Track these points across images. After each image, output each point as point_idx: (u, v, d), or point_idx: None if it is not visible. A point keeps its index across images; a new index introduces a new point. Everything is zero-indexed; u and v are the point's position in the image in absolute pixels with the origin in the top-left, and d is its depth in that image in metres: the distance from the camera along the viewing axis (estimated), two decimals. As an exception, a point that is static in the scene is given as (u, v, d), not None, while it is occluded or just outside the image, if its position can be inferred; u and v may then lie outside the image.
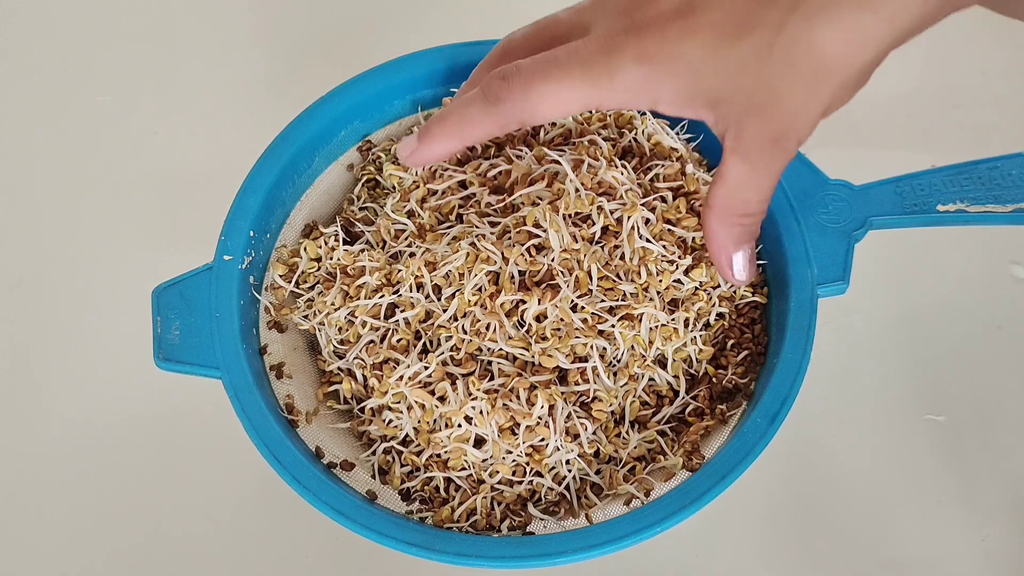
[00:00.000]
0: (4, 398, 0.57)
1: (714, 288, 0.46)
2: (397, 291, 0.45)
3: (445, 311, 0.44)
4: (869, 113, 0.65)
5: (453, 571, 0.42)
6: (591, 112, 0.49)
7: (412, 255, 0.46)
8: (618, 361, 0.45)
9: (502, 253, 0.44)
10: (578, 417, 0.44)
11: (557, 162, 0.45)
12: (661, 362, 0.46)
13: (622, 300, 0.44)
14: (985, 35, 0.66)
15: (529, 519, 0.44)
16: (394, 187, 0.50)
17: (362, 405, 0.47)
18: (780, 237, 0.47)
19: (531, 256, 0.44)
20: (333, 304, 0.46)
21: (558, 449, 0.43)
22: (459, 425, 0.43)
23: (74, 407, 0.56)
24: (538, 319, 0.44)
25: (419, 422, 0.44)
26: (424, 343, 0.45)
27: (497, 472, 0.44)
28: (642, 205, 0.45)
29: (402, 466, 0.45)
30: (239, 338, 0.45)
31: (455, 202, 0.47)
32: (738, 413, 0.45)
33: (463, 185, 0.47)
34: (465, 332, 0.44)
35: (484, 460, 0.44)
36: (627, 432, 0.45)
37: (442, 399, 0.44)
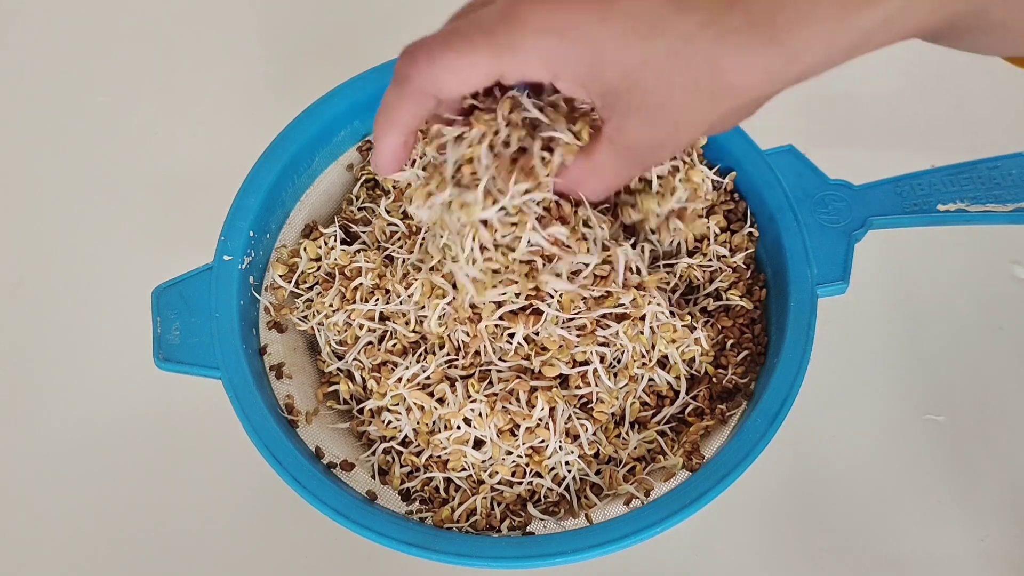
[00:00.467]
0: (4, 398, 0.57)
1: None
2: (389, 299, 0.45)
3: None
4: (869, 113, 0.65)
5: (453, 571, 0.42)
6: None
7: (404, 261, 0.46)
8: (618, 362, 0.45)
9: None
10: (578, 419, 0.44)
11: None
12: (661, 363, 0.46)
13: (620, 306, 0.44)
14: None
15: (529, 519, 0.44)
16: (389, 190, 0.50)
17: (361, 406, 0.47)
18: (780, 237, 0.47)
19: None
20: (331, 306, 0.46)
21: (558, 450, 0.43)
22: (458, 427, 0.43)
23: (74, 407, 0.56)
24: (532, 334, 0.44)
25: (418, 423, 0.44)
26: (423, 347, 0.45)
27: (497, 473, 0.44)
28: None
29: (402, 466, 0.45)
30: (239, 338, 0.45)
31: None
32: (738, 413, 0.45)
33: None
34: (459, 345, 0.44)
35: (484, 461, 0.44)
36: (627, 433, 0.45)
37: (441, 401, 0.44)
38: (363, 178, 0.52)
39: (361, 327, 0.46)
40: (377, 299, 0.45)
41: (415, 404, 0.44)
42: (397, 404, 0.45)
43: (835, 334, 0.54)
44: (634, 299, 0.44)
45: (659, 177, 0.44)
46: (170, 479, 0.54)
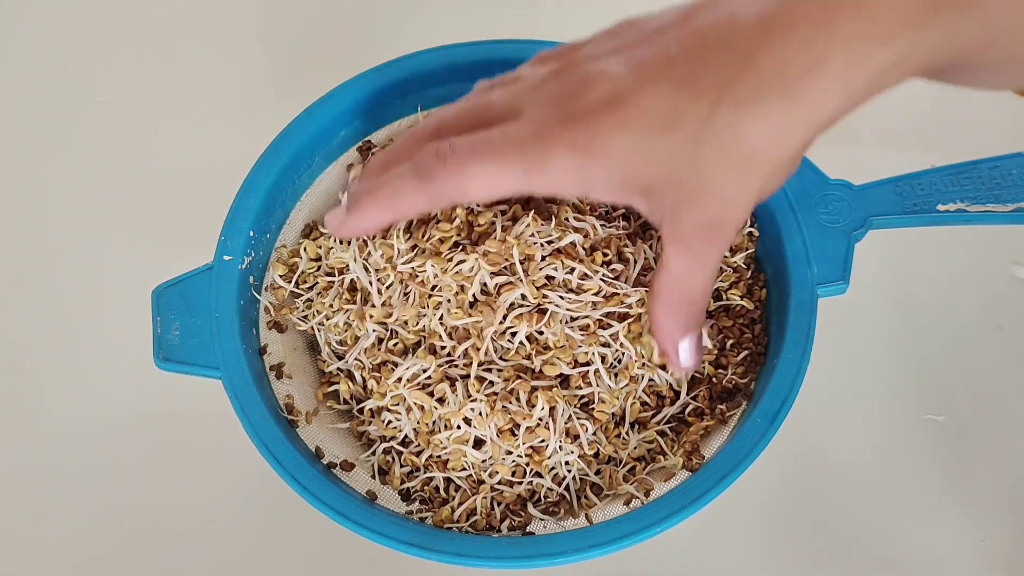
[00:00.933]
0: (4, 398, 0.57)
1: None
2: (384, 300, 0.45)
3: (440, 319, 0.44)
4: (869, 113, 0.65)
5: (453, 571, 0.42)
6: None
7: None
8: (619, 362, 0.45)
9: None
10: (578, 419, 0.44)
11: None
12: (662, 363, 0.46)
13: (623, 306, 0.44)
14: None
15: (529, 519, 0.44)
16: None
17: (361, 406, 0.47)
18: (780, 237, 0.47)
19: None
20: (331, 306, 0.46)
21: (558, 450, 0.43)
22: (458, 427, 0.43)
23: (74, 407, 0.56)
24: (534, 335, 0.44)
25: (418, 423, 0.44)
26: (424, 345, 0.45)
27: (497, 472, 0.44)
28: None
29: (402, 466, 0.45)
30: (239, 338, 0.45)
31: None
32: (738, 413, 0.45)
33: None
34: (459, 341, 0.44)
35: (484, 461, 0.44)
36: (627, 433, 0.45)
37: (441, 400, 0.44)
38: (363, 178, 0.52)
39: (360, 328, 0.46)
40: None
41: (415, 404, 0.44)
42: (397, 404, 0.45)
43: (835, 334, 0.54)
44: (640, 298, 0.44)
45: None
46: (170, 479, 0.54)
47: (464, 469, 0.44)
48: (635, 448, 0.45)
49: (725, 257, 0.48)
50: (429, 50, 0.52)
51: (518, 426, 0.43)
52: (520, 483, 0.44)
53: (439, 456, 0.44)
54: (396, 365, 0.44)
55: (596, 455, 0.45)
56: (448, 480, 0.45)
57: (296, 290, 0.49)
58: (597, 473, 0.45)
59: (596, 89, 0.36)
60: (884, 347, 0.57)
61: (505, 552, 0.41)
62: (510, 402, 0.43)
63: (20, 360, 0.58)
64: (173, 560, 0.52)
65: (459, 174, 0.38)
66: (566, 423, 0.43)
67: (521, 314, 0.43)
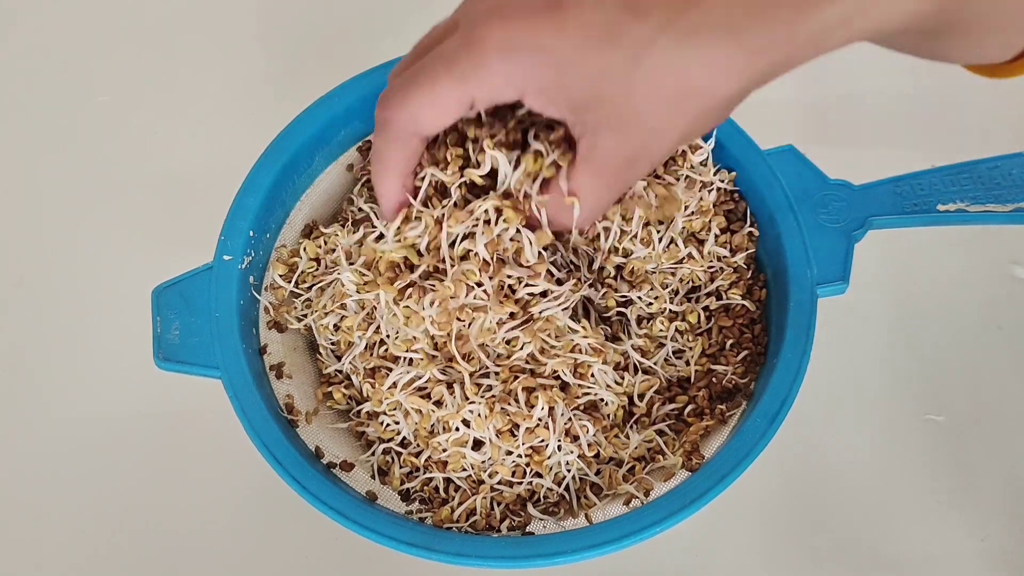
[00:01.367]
0: (4, 398, 0.57)
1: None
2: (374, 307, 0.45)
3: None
4: (869, 113, 0.65)
5: (453, 571, 0.42)
6: None
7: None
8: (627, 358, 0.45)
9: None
10: (578, 420, 0.44)
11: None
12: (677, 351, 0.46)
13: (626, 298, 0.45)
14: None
15: (529, 519, 0.44)
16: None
17: (359, 408, 0.47)
18: (780, 237, 0.47)
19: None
20: (324, 307, 0.46)
21: (557, 450, 0.43)
22: (456, 429, 0.43)
23: (74, 407, 0.56)
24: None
25: (416, 425, 0.44)
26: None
27: (497, 473, 0.44)
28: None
29: (401, 467, 0.45)
30: (239, 338, 0.45)
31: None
32: (738, 413, 0.45)
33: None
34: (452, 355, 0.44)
35: (483, 462, 0.44)
36: (627, 436, 0.45)
37: (439, 403, 0.44)
38: (363, 178, 0.52)
39: (351, 332, 0.46)
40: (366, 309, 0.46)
41: (412, 408, 0.44)
42: (395, 409, 0.44)
43: (835, 334, 0.54)
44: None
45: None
46: (170, 479, 0.54)
47: (464, 470, 0.44)
48: (635, 448, 0.45)
49: (725, 258, 0.48)
50: (429, 50, 0.52)
51: (517, 426, 0.43)
52: (520, 483, 0.44)
53: (438, 457, 0.44)
54: (390, 370, 0.44)
55: (596, 456, 0.45)
56: (448, 480, 0.45)
57: (296, 290, 0.49)
58: (597, 473, 0.45)
59: None
60: (884, 347, 0.57)
61: (505, 552, 0.41)
62: (508, 403, 0.43)
63: (20, 360, 0.58)
64: (173, 560, 0.52)
65: (404, 107, 0.37)
66: (566, 423, 0.43)
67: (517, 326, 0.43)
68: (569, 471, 0.44)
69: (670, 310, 0.47)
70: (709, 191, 0.48)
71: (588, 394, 0.44)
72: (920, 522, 0.52)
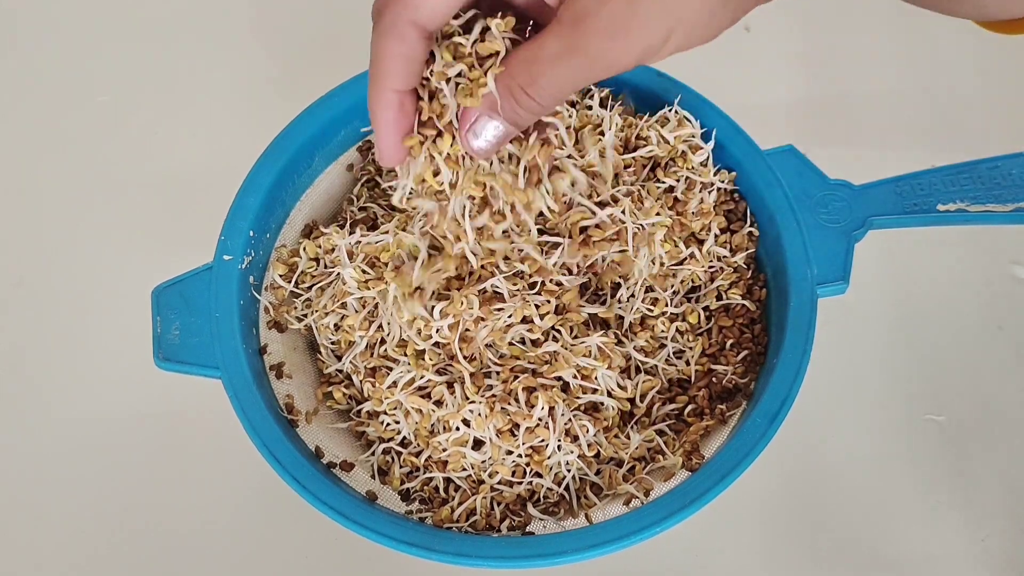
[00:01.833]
0: (4, 398, 0.57)
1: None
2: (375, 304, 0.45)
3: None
4: (869, 113, 0.65)
5: (453, 571, 0.42)
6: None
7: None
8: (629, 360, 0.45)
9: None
10: (578, 420, 0.44)
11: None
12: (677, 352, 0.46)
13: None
14: (984, 36, 0.66)
15: (529, 519, 0.44)
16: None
17: (359, 408, 0.47)
18: (780, 237, 0.47)
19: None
20: (325, 307, 0.46)
21: (557, 450, 0.43)
22: (457, 428, 0.43)
23: (74, 407, 0.56)
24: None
25: (417, 425, 0.44)
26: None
27: (497, 473, 0.44)
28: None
29: (401, 467, 0.45)
30: (239, 338, 0.45)
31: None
32: (738, 413, 0.45)
33: None
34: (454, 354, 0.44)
35: (483, 461, 0.44)
36: (627, 436, 0.45)
37: (439, 403, 0.44)
38: (363, 178, 0.52)
39: (352, 331, 0.46)
40: (367, 306, 0.46)
41: (412, 408, 0.44)
42: (395, 409, 0.44)
43: (835, 334, 0.54)
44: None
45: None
46: (170, 479, 0.54)
47: (464, 470, 0.44)
48: (635, 448, 0.45)
49: (725, 257, 0.48)
50: (429, 50, 0.51)
51: (518, 426, 0.43)
52: (520, 483, 0.44)
53: (439, 457, 0.44)
54: (390, 370, 0.44)
55: (596, 456, 0.45)
56: (448, 480, 0.45)
57: (296, 290, 0.49)
58: (597, 473, 0.45)
59: None
60: (884, 347, 0.57)
61: (505, 552, 0.41)
62: (508, 403, 0.43)
63: (20, 360, 0.58)
64: (173, 560, 0.52)
65: None
66: (566, 423, 0.43)
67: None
68: (569, 471, 0.44)
69: (671, 312, 0.47)
70: (709, 192, 0.48)
71: (591, 394, 0.44)
72: (920, 522, 0.52)
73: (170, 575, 0.52)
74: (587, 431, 0.43)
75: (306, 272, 0.49)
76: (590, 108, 0.50)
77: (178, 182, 0.63)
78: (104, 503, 0.54)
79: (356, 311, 0.45)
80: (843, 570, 0.51)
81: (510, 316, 0.43)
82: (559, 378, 0.44)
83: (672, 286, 0.47)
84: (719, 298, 0.48)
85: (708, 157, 0.49)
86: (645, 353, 0.46)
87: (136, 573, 0.52)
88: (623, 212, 0.44)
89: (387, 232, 0.45)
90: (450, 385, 0.44)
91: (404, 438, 0.45)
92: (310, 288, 0.48)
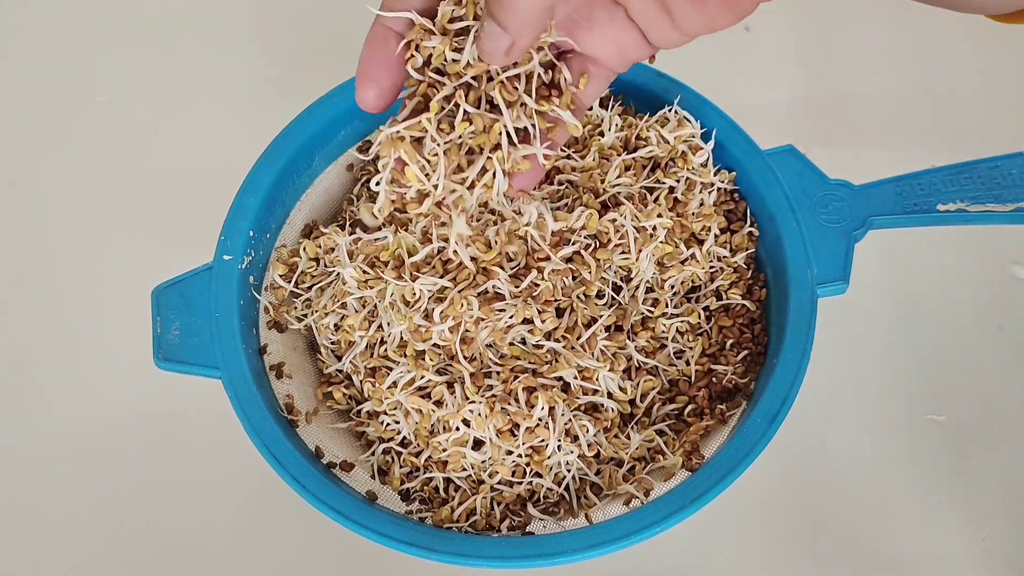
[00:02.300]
0: (4, 398, 0.57)
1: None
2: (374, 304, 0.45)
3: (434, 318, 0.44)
4: (869, 113, 0.65)
5: (453, 571, 0.42)
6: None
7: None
8: (629, 360, 0.45)
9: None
10: (577, 420, 0.44)
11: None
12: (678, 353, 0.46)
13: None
14: (984, 35, 0.66)
15: (529, 519, 0.44)
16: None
17: (359, 408, 0.47)
18: (780, 237, 0.47)
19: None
20: (325, 307, 0.46)
21: (557, 450, 0.43)
22: (457, 428, 0.43)
23: (74, 407, 0.56)
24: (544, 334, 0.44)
25: (417, 425, 0.44)
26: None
27: (497, 473, 0.44)
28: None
29: (401, 467, 0.45)
30: (239, 338, 0.45)
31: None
32: (738, 413, 0.45)
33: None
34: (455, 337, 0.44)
35: (483, 461, 0.44)
36: (627, 436, 0.45)
37: (439, 403, 0.44)
38: (363, 178, 0.52)
39: (352, 331, 0.46)
40: (367, 307, 0.46)
41: (412, 408, 0.44)
42: (395, 409, 0.44)
43: (835, 334, 0.54)
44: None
45: None
46: (170, 479, 0.54)
47: (464, 470, 0.44)
48: (635, 448, 0.45)
49: (725, 257, 0.48)
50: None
51: (518, 426, 0.43)
52: (520, 483, 0.44)
53: (439, 457, 0.44)
54: (390, 370, 0.44)
55: (596, 456, 0.45)
56: (448, 480, 0.45)
57: (296, 290, 0.49)
58: (597, 473, 0.45)
59: None
60: (884, 347, 0.57)
61: (505, 552, 0.41)
62: (509, 403, 0.43)
63: (20, 360, 0.58)
64: (173, 560, 0.52)
65: None
66: (566, 424, 0.43)
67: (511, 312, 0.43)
68: (569, 471, 0.44)
69: (671, 312, 0.47)
70: (709, 192, 0.48)
71: (591, 394, 0.44)
72: (920, 522, 0.52)
73: (170, 575, 0.52)
74: (587, 431, 0.43)
75: (306, 272, 0.49)
76: (590, 109, 0.50)
77: (178, 182, 0.63)
78: (104, 503, 0.54)
79: (356, 311, 0.45)
80: (843, 570, 0.51)
81: (511, 317, 0.43)
82: (559, 378, 0.44)
83: (672, 286, 0.47)
84: (719, 298, 0.48)
85: (708, 157, 0.49)
86: (645, 353, 0.46)
87: (136, 573, 0.52)
88: (624, 217, 0.45)
89: (387, 232, 0.46)
90: (450, 385, 0.44)
91: (404, 438, 0.45)
92: (310, 288, 0.48)
